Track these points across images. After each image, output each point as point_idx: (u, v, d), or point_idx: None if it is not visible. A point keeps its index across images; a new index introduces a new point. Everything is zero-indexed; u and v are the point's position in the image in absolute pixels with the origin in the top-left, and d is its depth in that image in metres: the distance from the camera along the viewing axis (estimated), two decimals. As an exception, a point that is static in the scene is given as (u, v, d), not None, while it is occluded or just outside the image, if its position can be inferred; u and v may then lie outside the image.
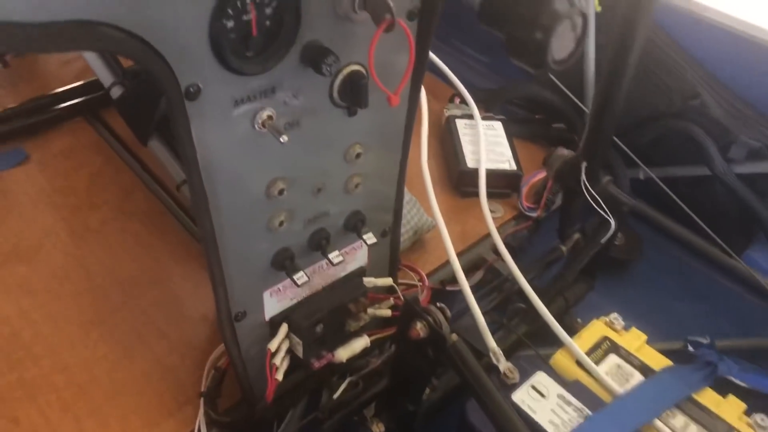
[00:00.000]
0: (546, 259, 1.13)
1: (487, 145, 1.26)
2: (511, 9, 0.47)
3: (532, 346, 0.92)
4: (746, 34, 1.11)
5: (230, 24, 0.60)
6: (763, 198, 1.23)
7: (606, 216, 1.01)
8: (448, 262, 1.12)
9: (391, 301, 0.96)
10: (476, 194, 1.18)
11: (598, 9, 1.32)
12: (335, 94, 0.73)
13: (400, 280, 1.04)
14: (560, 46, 0.47)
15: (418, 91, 0.82)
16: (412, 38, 0.69)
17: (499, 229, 1.10)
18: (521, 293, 1.01)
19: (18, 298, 0.98)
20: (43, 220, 1.08)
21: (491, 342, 0.89)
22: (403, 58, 0.76)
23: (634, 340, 0.94)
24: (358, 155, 0.80)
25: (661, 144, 1.30)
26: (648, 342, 0.94)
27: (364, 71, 0.73)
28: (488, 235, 1.18)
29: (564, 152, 1.08)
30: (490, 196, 1.14)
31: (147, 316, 0.99)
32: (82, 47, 0.52)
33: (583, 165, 1.00)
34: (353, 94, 0.74)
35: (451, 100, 1.41)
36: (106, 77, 1.16)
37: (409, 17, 0.74)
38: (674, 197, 1.25)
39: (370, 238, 0.87)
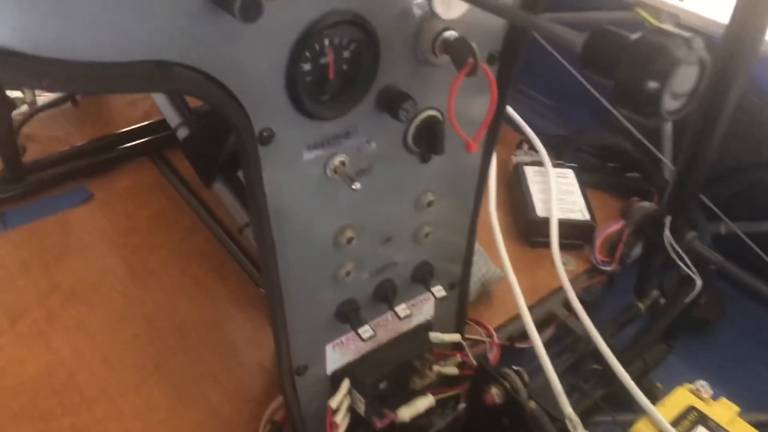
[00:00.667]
0: (623, 318, 1.05)
1: (559, 194, 1.21)
2: (620, 53, 0.43)
3: (611, 413, 0.85)
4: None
5: (307, 67, 0.57)
6: None
7: (691, 274, 0.94)
8: (517, 317, 1.06)
9: (459, 358, 0.90)
10: (546, 245, 1.12)
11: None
12: (410, 140, 0.70)
13: (466, 335, 0.98)
14: (675, 95, 0.42)
15: (496, 137, 0.78)
16: (494, 81, 0.66)
17: (571, 282, 1.03)
18: (597, 354, 0.94)
19: (75, 340, 0.96)
20: (104, 260, 1.07)
21: (567, 407, 0.82)
22: (481, 103, 0.72)
23: (725, 411, 0.85)
24: (429, 203, 0.76)
25: (745, 197, 1.23)
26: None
27: (440, 116, 0.70)
28: (559, 289, 1.12)
29: (645, 205, 1.02)
30: (562, 247, 1.08)
31: (203, 363, 0.96)
32: (156, 87, 0.50)
33: (668, 219, 0.94)
34: (429, 140, 0.70)
35: (519, 146, 1.37)
36: (172, 117, 1.16)
37: (490, 61, 0.70)
38: (761, 254, 1.16)
39: (439, 290, 0.82)
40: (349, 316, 0.76)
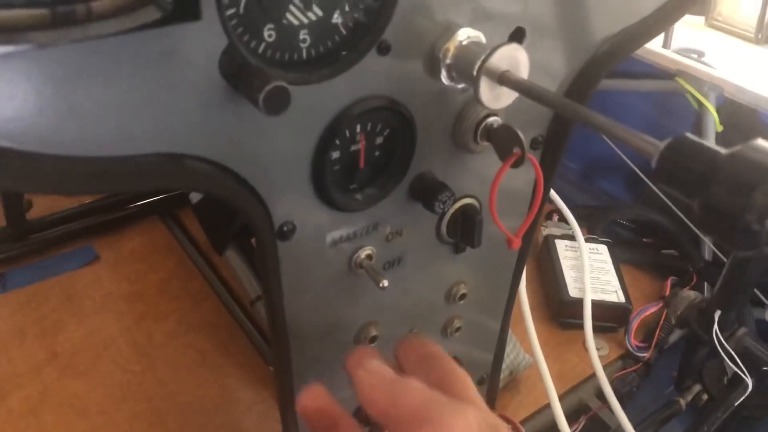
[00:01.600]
0: (662, 414, 0.97)
1: (592, 272, 1.13)
2: (710, 172, 0.36)
3: None
4: None
5: (335, 155, 0.51)
6: None
7: (742, 375, 0.86)
8: (546, 407, 0.99)
9: (485, 460, 0.82)
10: (578, 326, 1.04)
11: (720, 129, 1.21)
12: (443, 230, 0.63)
13: None
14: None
15: (536, 226, 0.71)
16: (540, 172, 0.59)
17: (604, 369, 0.95)
18: (634, 456, 0.86)
19: (70, 420, 0.89)
20: (106, 330, 1.01)
21: None
22: (521, 191, 0.66)
23: None
24: (462, 296, 0.69)
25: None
26: None
27: (478, 205, 0.63)
28: (592, 377, 1.04)
29: (690, 295, 0.94)
30: (595, 330, 1.01)
31: (205, 451, 0.88)
32: (166, 184, 0.44)
33: (717, 314, 0.86)
34: (464, 231, 0.63)
35: (549, 217, 1.30)
36: (186, 177, 1.11)
37: (533, 146, 0.64)
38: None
39: (468, 391, 0.74)
40: (369, 420, 0.68)
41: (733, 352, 0.86)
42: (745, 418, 1.05)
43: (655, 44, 1.37)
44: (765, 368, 0.86)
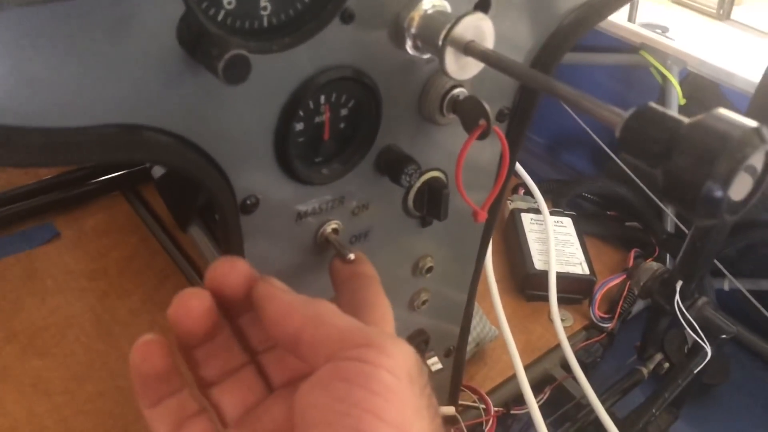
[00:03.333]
0: (625, 383, 0.99)
1: (557, 245, 1.14)
2: (672, 141, 0.36)
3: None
4: None
5: (299, 127, 0.50)
6: None
7: (702, 343, 0.88)
8: (512, 378, 1.00)
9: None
10: (543, 298, 1.06)
11: (683, 102, 1.22)
12: (410, 204, 0.63)
13: (459, 401, 0.91)
14: (736, 191, 0.36)
15: (502, 198, 0.71)
16: (506, 144, 0.59)
17: (569, 340, 0.97)
18: (598, 423, 0.88)
19: (31, 400, 0.87)
20: (68, 308, 0.99)
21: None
22: (487, 164, 0.66)
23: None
24: (428, 269, 0.69)
25: (750, 254, 1.17)
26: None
27: (444, 178, 0.63)
28: (557, 347, 1.06)
29: (653, 266, 0.96)
30: (559, 301, 1.02)
31: (172, 427, 0.87)
32: (124, 155, 0.43)
33: (679, 284, 0.88)
34: (431, 205, 0.63)
35: (515, 191, 1.30)
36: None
37: (499, 118, 0.64)
38: (766, 314, 1.11)
39: (434, 363, 0.75)
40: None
41: (693, 322, 0.88)
42: (705, 385, 1.08)
43: (620, 18, 1.38)
44: (723, 336, 0.88)
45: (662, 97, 1.22)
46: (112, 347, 0.95)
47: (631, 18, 1.42)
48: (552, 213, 1.21)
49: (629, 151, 0.39)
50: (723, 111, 0.37)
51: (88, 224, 1.13)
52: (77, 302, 1.00)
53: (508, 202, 1.27)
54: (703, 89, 1.20)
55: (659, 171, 0.37)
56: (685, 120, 0.37)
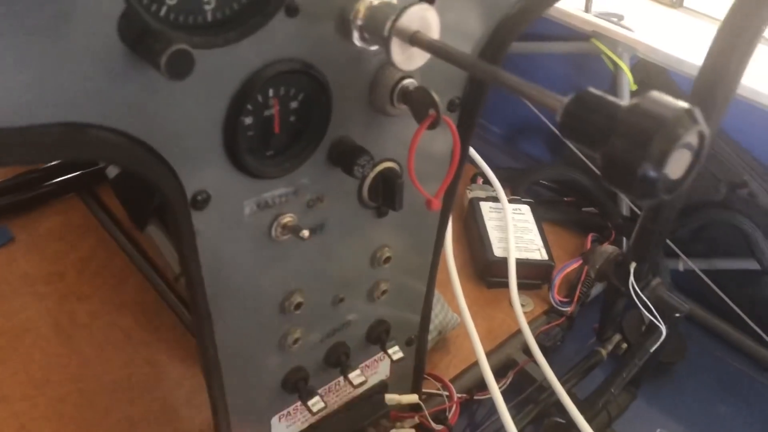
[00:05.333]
0: (585, 365, 1.01)
1: (516, 232, 1.16)
2: (610, 125, 0.37)
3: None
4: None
5: (248, 121, 0.50)
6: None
7: (657, 322, 0.90)
8: (475, 365, 1.01)
9: (416, 419, 0.84)
10: (504, 285, 1.07)
11: (634, 87, 1.24)
12: (365, 194, 0.63)
13: (423, 389, 0.92)
14: (672, 170, 0.37)
15: (456, 187, 0.72)
16: (456, 134, 0.60)
17: (530, 325, 0.98)
18: (560, 405, 0.89)
19: (-11, 407, 0.86)
20: (25, 312, 0.97)
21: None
22: (440, 153, 0.67)
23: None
24: (386, 259, 0.70)
25: (703, 234, 1.20)
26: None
27: (398, 168, 0.64)
28: (518, 332, 1.08)
29: (608, 249, 0.98)
30: (520, 287, 1.04)
31: (136, 430, 0.86)
32: (70, 154, 0.42)
33: (632, 266, 0.90)
34: (386, 195, 0.64)
35: (474, 180, 1.32)
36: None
37: (450, 108, 0.65)
38: (720, 293, 1.14)
39: (395, 352, 0.76)
40: (297, 387, 0.68)
41: (648, 302, 0.90)
42: (663, 363, 1.10)
43: (575, 7, 1.40)
44: (677, 315, 0.91)
45: (614, 83, 1.25)
46: (72, 351, 0.94)
47: (587, 8, 1.44)
48: (510, 201, 1.22)
49: (570, 136, 0.40)
50: (657, 94, 0.38)
51: (43, 227, 1.11)
52: (34, 307, 0.98)
53: (468, 191, 1.29)
54: (653, 75, 1.22)
55: (599, 154, 0.38)
56: (623, 103, 0.39)
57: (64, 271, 1.04)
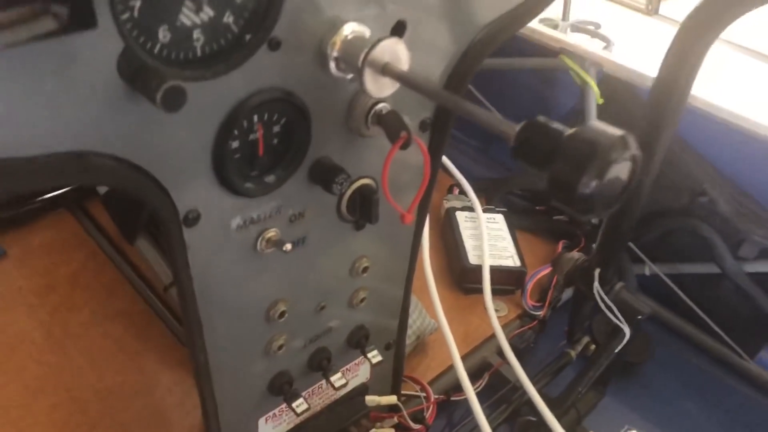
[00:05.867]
0: (555, 365, 1.06)
1: (490, 240, 1.21)
2: (553, 149, 0.42)
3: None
4: (755, 133, 1.08)
5: (235, 145, 0.55)
6: (774, 298, 1.19)
7: (620, 324, 0.96)
8: (452, 367, 1.06)
9: (395, 419, 0.89)
10: (479, 291, 1.12)
11: (600, 101, 1.30)
12: (343, 209, 0.68)
13: (402, 392, 0.97)
14: (609, 191, 0.42)
15: (429, 200, 0.77)
16: (427, 154, 0.65)
17: (504, 329, 1.04)
18: (531, 404, 0.95)
19: (-14, 415, 0.89)
20: (18, 324, 1.01)
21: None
22: (414, 170, 0.72)
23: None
24: (365, 269, 0.75)
25: (668, 241, 1.26)
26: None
27: (374, 184, 0.69)
28: (493, 336, 1.13)
29: (574, 255, 1.03)
30: (494, 293, 1.09)
31: (128, 434, 0.91)
32: (72, 180, 0.47)
33: (597, 271, 0.95)
34: (363, 209, 0.68)
35: (450, 191, 1.37)
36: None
37: (422, 128, 0.70)
38: (683, 296, 1.20)
39: (375, 356, 0.80)
40: (282, 390, 0.73)
41: (612, 305, 0.96)
42: (630, 363, 1.16)
43: (553, 15, 1.46)
44: (639, 317, 0.96)
45: (582, 97, 1.30)
46: (64, 360, 0.97)
47: (564, 16, 1.50)
48: (485, 210, 1.27)
49: (521, 159, 0.46)
50: (595, 123, 0.44)
51: (35, 241, 1.14)
52: (27, 318, 1.02)
53: (444, 201, 1.34)
54: (619, 88, 1.28)
55: (545, 175, 0.44)
56: (566, 131, 0.44)
57: (56, 283, 1.08)
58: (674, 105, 0.90)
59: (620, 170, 0.42)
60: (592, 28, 1.52)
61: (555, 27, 1.44)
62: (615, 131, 0.42)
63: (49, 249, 1.13)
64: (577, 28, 1.49)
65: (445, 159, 1.22)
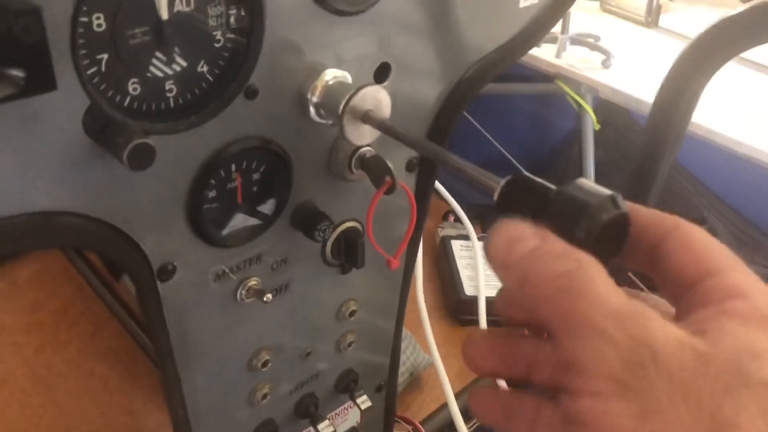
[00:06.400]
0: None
1: (486, 270, 1.19)
2: (540, 206, 0.40)
3: None
4: (754, 159, 1.06)
5: (212, 194, 0.53)
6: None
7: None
8: (446, 405, 1.03)
9: (387, 464, 0.86)
10: (476, 323, 1.10)
11: (597, 127, 1.29)
12: (327, 254, 0.66)
13: None
14: (599, 250, 0.40)
15: (418, 241, 0.75)
16: (413, 197, 0.63)
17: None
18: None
19: (-34, 460, 0.87)
20: (2, 363, 0.99)
21: None
22: (403, 210, 0.70)
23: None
24: (352, 312, 0.72)
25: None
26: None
27: (360, 227, 0.67)
28: (489, 371, 1.10)
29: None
30: (490, 324, 1.06)
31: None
32: (39, 243, 0.45)
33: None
34: (348, 253, 0.66)
35: (445, 218, 1.35)
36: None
37: (408, 168, 0.68)
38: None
39: (364, 401, 0.78)
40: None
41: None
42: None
43: (553, 30, 1.44)
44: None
45: (578, 122, 1.29)
46: (49, 401, 0.95)
47: (564, 29, 1.48)
48: (480, 238, 1.25)
49: (507, 214, 0.44)
50: (583, 181, 0.41)
51: (21, 277, 1.12)
52: (11, 358, 1.00)
53: (439, 229, 1.32)
54: (615, 114, 1.27)
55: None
56: (552, 187, 0.42)
57: (42, 320, 1.06)
58: (673, 134, 0.88)
59: (610, 230, 0.40)
60: (591, 40, 1.50)
61: (554, 40, 1.42)
62: (603, 190, 0.40)
63: (36, 284, 1.11)
64: (576, 41, 1.48)
65: (438, 185, 1.20)
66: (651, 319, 0.30)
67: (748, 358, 0.29)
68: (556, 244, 0.36)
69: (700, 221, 1.15)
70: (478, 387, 0.42)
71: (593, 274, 0.33)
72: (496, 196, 0.44)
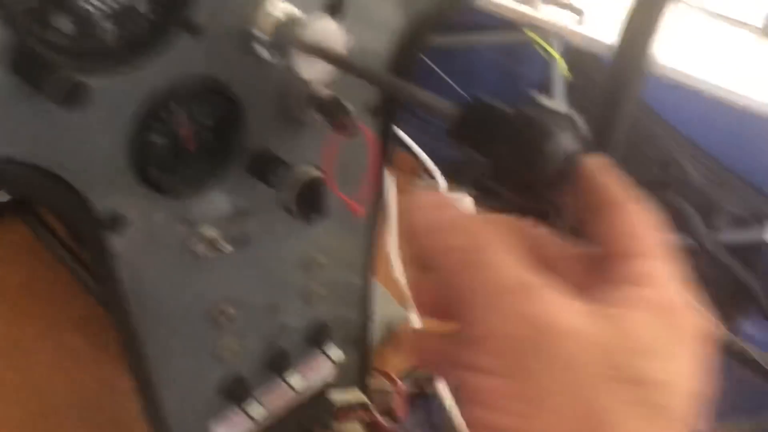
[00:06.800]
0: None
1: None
2: (497, 130, 0.39)
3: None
4: (725, 100, 1.05)
5: (160, 140, 0.51)
6: (750, 268, 1.16)
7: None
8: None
9: (364, 416, 0.85)
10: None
11: (567, 75, 1.27)
12: (290, 203, 0.64)
13: (373, 387, 0.93)
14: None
15: (381, 189, 0.73)
16: (371, 136, 0.61)
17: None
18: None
19: (-66, 437, 0.85)
20: (-33, 339, 0.96)
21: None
22: (364, 157, 0.68)
23: None
24: (318, 263, 0.71)
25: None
26: None
27: (322, 175, 0.65)
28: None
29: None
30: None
31: (86, 448, 0.87)
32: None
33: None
34: (312, 202, 0.64)
35: (419, 176, 1.33)
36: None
37: (369, 112, 0.66)
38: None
39: (336, 353, 0.77)
40: (235, 394, 0.69)
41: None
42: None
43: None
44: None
45: (547, 70, 1.27)
46: (17, 375, 0.92)
47: None
48: (452, 192, 1.24)
49: (460, 142, 0.42)
50: (542, 100, 0.40)
51: (-18, 251, 1.09)
52: (-23, 332, 0.97)
53: (413, 186, 1.30)
54: (585, 60, 1.25)
55: (488, 159, 0.40)
56: (508, 110, 0.40)
57: (8, 295, 1.03)
58: (634, 70, 0.86)
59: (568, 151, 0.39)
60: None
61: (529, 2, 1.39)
62: (560, 109, 0.39)
63: (0, 259, 1.08)
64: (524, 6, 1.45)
65: (411, 143, 1.18)
66: (549, 300, 0.29)
67: (642, 354, 0.28)
68: (454, 213, 0.35)
69: (672, 164, 1.14)
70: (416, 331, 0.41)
71: (494, 247, 0.32)
72: (450, 124, 0.42)
